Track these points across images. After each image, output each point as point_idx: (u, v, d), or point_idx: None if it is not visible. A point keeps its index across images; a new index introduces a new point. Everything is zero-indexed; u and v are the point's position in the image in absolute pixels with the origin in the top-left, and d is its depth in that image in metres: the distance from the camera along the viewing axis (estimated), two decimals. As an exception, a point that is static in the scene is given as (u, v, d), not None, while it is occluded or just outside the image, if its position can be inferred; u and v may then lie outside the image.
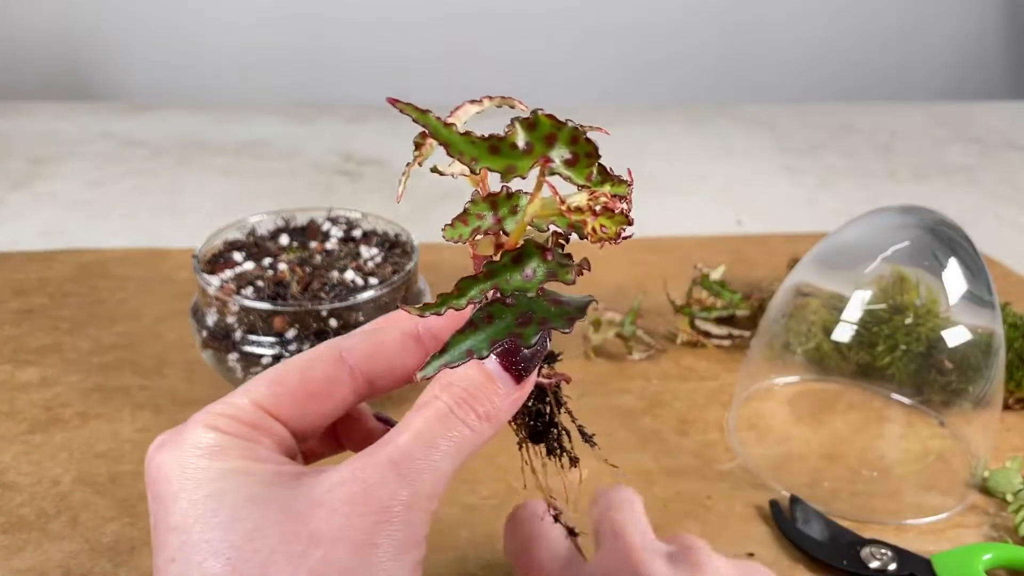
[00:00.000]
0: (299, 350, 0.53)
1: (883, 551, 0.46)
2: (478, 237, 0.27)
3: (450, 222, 0.27)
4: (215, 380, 0.59)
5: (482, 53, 1.66)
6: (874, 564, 0.45)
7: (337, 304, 0.54)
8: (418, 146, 0.29)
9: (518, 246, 0.28)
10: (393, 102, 0.26)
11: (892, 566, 0.45)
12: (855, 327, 0.56)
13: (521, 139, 0.26)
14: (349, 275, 0.57)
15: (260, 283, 0.55)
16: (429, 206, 0.93)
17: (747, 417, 0.58)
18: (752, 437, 0.57)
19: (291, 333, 0.54)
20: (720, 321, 0.68)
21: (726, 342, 0.67)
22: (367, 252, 0.60)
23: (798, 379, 0.61)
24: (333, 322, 0.54)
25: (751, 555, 0.47)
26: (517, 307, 0.28)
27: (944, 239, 0.55)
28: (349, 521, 0.26)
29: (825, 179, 1.06)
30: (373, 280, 0.57)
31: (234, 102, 1.38)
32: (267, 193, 0.96)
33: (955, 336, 0.54)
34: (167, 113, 1.20)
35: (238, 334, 0.54)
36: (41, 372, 0.60)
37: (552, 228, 0.28)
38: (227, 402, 0.29)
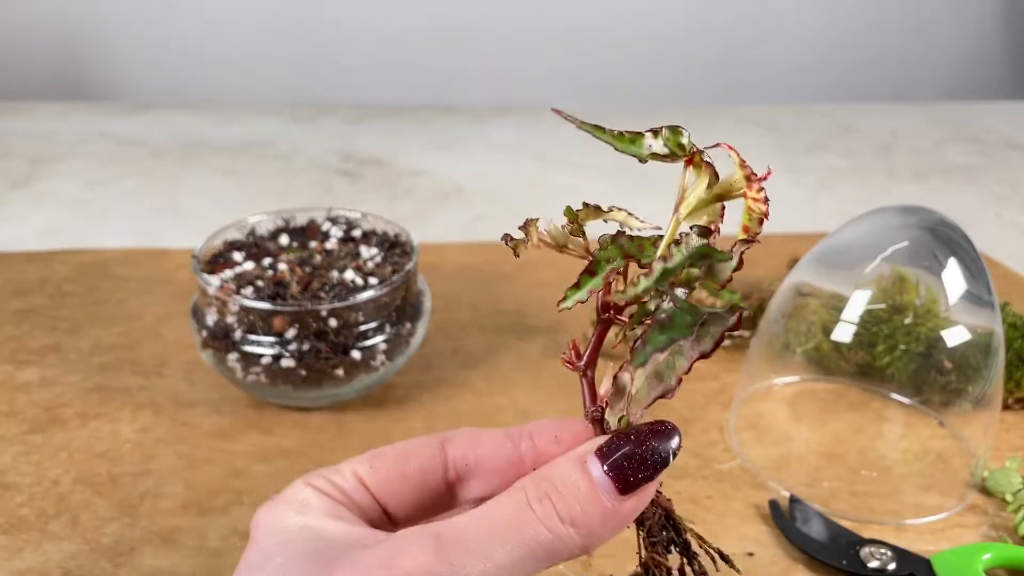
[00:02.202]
0: (299, 350, 0.53)
1: (882, 551, 0.46)
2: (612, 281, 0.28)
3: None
4: (215, 380, 0.59)
5: (482, 54, 1.66)
6: (873, 564, 0.45)
7: (337, 304, 0.54)
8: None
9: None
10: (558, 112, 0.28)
11: (891, 566, 0.45)
12: (855, 327, 0.56)
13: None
14: (349, 275, 0.57)
15: (260, 283, 0.55)
16: (429, 206, 0.93)
17: (747, 417, 0.58)
18: (752, 437, 0.57)
19: (291, 333, 0.54)
20: (720, 321, 0.68)
21: (726, 342, 0.66)
22: (367, 252, 0.60)
23: (798, 379, 0.61)
24: (333, 322, 0.54)
25: (751, 555, 0.47)
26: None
27: (944, 239, 0.55)
28: None
29: (825, 179, 1.06)
30: (373, 280, 0.57)
31: (234, 102, 1.38)
32: (267, 193, 0.96)
33: (955, 336, 0.54)
34: (167, 113, 1.20)
35: (238, 334, 0.54)
36: (41, 372, 0.60)
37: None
38: (333, 468, 0.31)
